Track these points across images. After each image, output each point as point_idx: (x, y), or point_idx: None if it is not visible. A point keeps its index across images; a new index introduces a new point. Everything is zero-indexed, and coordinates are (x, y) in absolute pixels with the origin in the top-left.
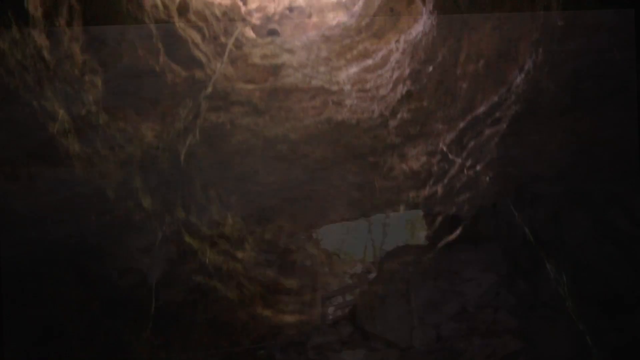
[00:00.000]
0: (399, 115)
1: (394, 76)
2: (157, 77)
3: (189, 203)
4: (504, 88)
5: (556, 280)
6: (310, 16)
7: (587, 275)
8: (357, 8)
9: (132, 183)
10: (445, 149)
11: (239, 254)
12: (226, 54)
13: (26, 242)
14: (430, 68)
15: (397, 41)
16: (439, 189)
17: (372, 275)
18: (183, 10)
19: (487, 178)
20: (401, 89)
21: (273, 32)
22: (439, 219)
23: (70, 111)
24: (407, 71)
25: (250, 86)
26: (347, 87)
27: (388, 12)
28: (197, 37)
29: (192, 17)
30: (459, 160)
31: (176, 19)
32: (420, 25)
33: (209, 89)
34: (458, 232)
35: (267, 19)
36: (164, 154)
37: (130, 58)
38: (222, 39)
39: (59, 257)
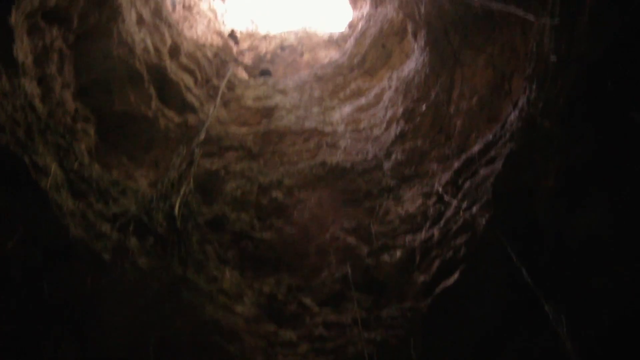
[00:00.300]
0: (393, 156)
1: (388, 115)
2: (150, 123)
3: (186, 259)
4: (499, 125)
5: (555, 321)
6: (302, 54)
7: (587, 316)
8: (348, 45)
9: (127, 243)
10: (440, 190)
11: (238, 308)
12: (219, 96)
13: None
14: (424, 107)
15: (390, 78)
16: (435, 232)
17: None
18: (175, 53)
19: (484, 220)
20: (395, 129)
21: (265, 72)
22: (436, 263)
23: (62, 165)
24: (401, 110)
25: (243, 129)
26: (341, 128)
27: (380, 48)
28: (189, 80)
29: (184, 60)
30: (454, 202)
31: (168, 62)
32: (413, 61)
33: (202, 136)
34: (456, 276)
35: (259, 58)
36: (158, 207)
37: (123, 104)
38: (215, 81)
39: (54, 316)
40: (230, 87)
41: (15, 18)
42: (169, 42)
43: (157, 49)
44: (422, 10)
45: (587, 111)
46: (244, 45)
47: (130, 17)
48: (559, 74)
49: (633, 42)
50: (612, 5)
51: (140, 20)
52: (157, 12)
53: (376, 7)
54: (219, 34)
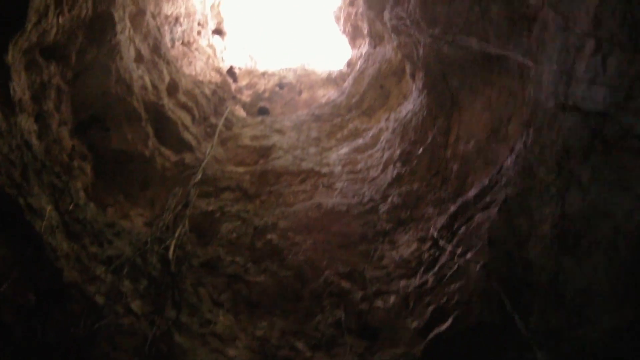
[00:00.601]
0: (389, 200)
1: (385, 157)
2: (147, 162)
3: (179, 302)
4: (495, 170)
5: None
6: (300, 93)
7: None
8: (347, 84)
9: (121, 287)
10: (435, 234)
11: (231, 352)
12: (216, 135)
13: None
14: (421, 149)
15: (388, 119)
16: (430, 277)
17: None
18: (173, 90)
19: (478, 267)
20: (392, 171)
21: (263, 111)
22: (430, 309)
23: (58, 206)
24: (398, 152)
25: (240, 169)
26: (338, 169)
27: (378, 88)
28: (187, 119)
29: (182, 98)
30: (449, 247)
31: (166, 100)
32: (410, 103)
33: (199, 177)
34: (449, 322)
35: (257, 96)
36: (153, 249)
37: (120, 142)
38: (212, 119)
39: (47, 359)
40: (228, 125)
41: (13, 55)
42: (167, 79)
43: (155, 87)
44: (421, 52)
45: (584, 158)
46: (243, 82)
47: (129, 53)
48: (556, 121)
49: (631, 90)
50: (611, 57)
51: (138, 57)
52: (156, 48)
53: (375, 47)
54: (218, 70)
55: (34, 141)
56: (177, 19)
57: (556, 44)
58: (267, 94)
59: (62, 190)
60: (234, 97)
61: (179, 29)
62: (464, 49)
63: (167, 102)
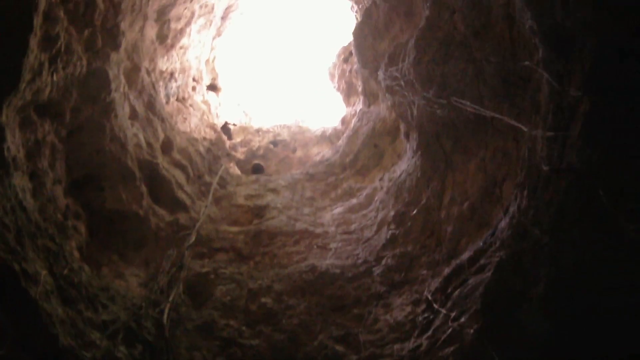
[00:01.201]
0: (383, 262)
1: (379, 217)
2: (141, 222)
3: None
4: (489, 232)
5: None
6: (294, 150)
7: None
8: (341, 143)
9: (116, 352)
10: (430, 297)
11: None
12: (210, 195)
13: None
14: (415, 211)
15: (382, 179)
16: (424, 341)
17: None
18: (167, 148)
19: (472, 331)
20: (386, 232)
21: (258, 169)
22: None
23: (52, 271)
24: (392, 213)
25: (234, 229)
26: (332, 229)
27: (372, 148)
28: (181, 177)
29: (177, 156)
30: (443, 311)
31: (160, 158)
32: (404, 162)
33: (193, 238)
34: None
35: (252, 153)
36: (148, 314)
37: (114, 201)
38: (207, 178)
39: None
40: (222, 184)
41: (7, 114)
42: (161, 137)
43: (149, 145)
44: (415, 112)
45: (578, 219)
46: (237, 139)
47: (124, 111)
48: (551, 183)
49: (624, 154)
50: (605, 118)
51: (133, 115)
52: (151, 105)
53: (369, 105)
54: (212, 127)
55: (29, 200)
56: (172, 75)
57: (550, 105)
58: (261, 151)
59: (57, 253)
60: (228, 154)
61: (173, 85)
62: (458, 110)
63: (162, 161)
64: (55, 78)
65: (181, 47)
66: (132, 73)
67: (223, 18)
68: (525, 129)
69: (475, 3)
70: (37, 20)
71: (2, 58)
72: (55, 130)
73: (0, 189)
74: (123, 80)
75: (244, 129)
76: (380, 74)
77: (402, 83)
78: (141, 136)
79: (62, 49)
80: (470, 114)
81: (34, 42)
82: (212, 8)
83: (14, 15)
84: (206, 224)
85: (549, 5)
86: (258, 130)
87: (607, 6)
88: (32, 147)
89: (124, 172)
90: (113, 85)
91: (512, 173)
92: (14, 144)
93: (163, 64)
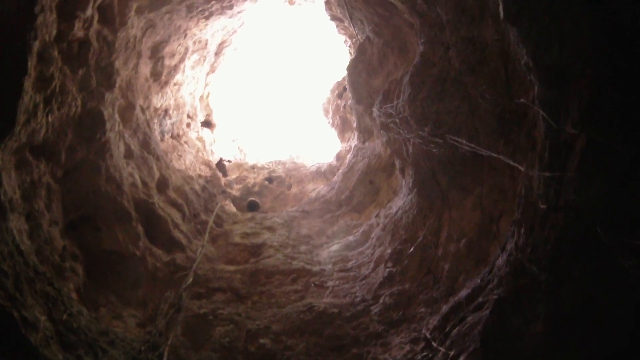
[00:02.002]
0: (381, 300)
1: (376, 254)
2: (138, 262)
3: None
4: (486, 269)
5: None
6: (290, 187)
7: None
8: (336, 179)
9: None
10: (428, 335)
11: None
12: (207, 233)
13: None
14: (412, 248)
15: (378, 216)
16: None
17: None
18: (162, 187)
19: None
20: (383, 270)
21: (253, 205)
22: None
23: (52, 316)
24: (389, 251)
25: (231, 267)
26: (329, 267)
27: (368, 184)
28: (177, 216)
29: (172, 194)
30: (442, 349)
31: (156, 198)
32: (400, 199)
33: (190, 280)
34: None
35: (247, 190)
36: (147, 357)
37: (111, 242)
38: (203, 216)
39: None
40: (218, 222)
41: (2, 157)
42: (157, 175)
43: (145, 184)
44: (410, 149)
45: (576, 256)
46: (232, 175)
47: (119, 150)
48: (548, 219)
49: (621, 191)
50: (602, 154)
51: (128, 154)
52: (146, 144)
53: (364, 142)
54: (207, 164)
55: (25, 241)
56: (166, 112)
57: (547, 142)
58: (256, 188)
59: (56, 298)
60: (223, 191)
61: (168, 122)
62: (454, 146)
63: (157, 200)
64: (50, 119)
65: (175, 84)
66: (127, 111)
67: (217, 54)
68: (521, 168)
69: (469, 39)
70: (32, 62)
71: None
72: (51, 171)
73: None
74: (118, 118)
75: (239, 166)
76: (375, 111)
77: (397, 120)
78: (136, 175)
79: (57, 90)
80: (467, 150)
81: (28, 83)
82: (206, 44)
83: (7, 57)
84: (203, 263)
85: (544, 40)
86: (253, 167)
87: (604, 38)
88: (28, 188)
89: (120, 213)
90: (108, 125)
91: (508, 210)
92: (10, 185)
93: (157, 101)
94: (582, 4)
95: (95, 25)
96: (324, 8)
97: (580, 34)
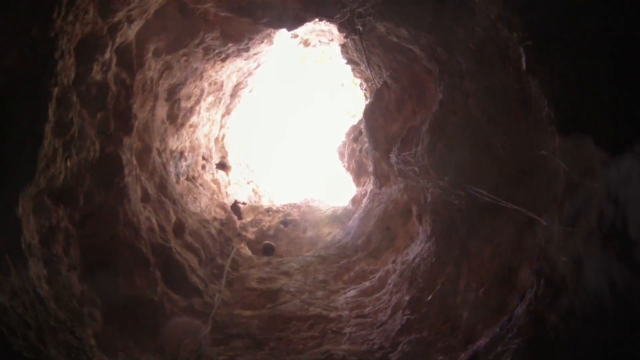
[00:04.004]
0: (399, 347)
1: (393, 301)
2: (156, 308)
3: None
4: (505, 318)
5: None
6: (305, 231)
7: None
8: (352, 224)
9: None
10: None
11: None
12: (224, 278)
13: None
14: (430, 296)
15: (395, 262)
16: None
17: None
18: (179, 230)
19: None
20: (401, 317)
21: (268, 249)
22: None
23: None
24: (407, 298)
25: (248, 313)
26: (346, 313)
27: (384, 230)
28: (194, 260)
29: (189, 238)
30: None
31: (173, 242)
32: (418, 246)
33: (209, 328)
34: None
35: (262, 233)
36: None
37: (129, 288)
38: (219, 260)
39: None
40: (234, 266)
41: (23, 205)
42: (173, 219)
43: (162, 228)
44: (429, 198)
45: (599, 304)
46: (247, 218)
47: (136, 194)
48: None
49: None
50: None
51: (145, 197)
52: (162, 187)
53: (380, 187)
54: (222, 206)
55: (44, 287)
56: (182, 154)
57: (567, 195)
58: (271, 231)
59: (77, 348)
60: (239, 234)
61: (183, 164)
62: (474, 196)
63: (174, 244)
64: (69, 164)
65: (191, 126)
66: (144, 154)
67: (232, 95)
68: (543, 222)
69: (490, 87)
70: (52, 107)
71: (17, 148)
72: (69, 216)
73: (19, 282)
74: (135, 162)
75: (253, 209)
76: (393, 158)
77: (416, 169)
78: (153, 219)
79: (76, 134)
80: (487, 200)
81: (48, 128)
82: (222, 85)
83: (28, 103)
84: (220, 309)
85: (565, 92)
86: (268, 210)
87: (623, 90)
88: (46, 233)
89: (138, 258)
90: (126, 170)
91: (528, 258)
92: (29, 230)
93: (173, 143)
94: (603, 58)
95: (114, 68)
96: (340, 51)
97: (600, 86)
